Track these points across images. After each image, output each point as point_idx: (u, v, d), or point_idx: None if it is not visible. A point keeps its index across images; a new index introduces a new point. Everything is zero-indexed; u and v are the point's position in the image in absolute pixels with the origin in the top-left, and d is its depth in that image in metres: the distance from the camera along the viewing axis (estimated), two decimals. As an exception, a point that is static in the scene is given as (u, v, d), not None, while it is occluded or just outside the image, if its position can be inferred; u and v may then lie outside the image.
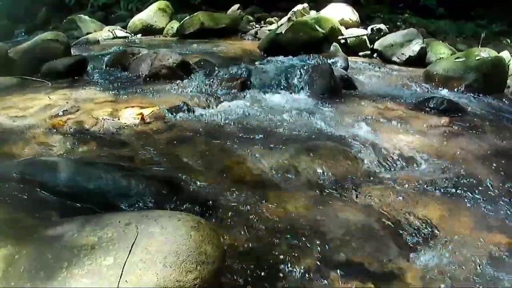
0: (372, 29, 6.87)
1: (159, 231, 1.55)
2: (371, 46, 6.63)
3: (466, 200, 2.54)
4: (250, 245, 2.01)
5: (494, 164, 2.99)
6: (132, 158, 2.80)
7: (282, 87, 4.39)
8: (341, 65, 5.28)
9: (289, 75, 4.44)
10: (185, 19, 7.80)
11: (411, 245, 2.13)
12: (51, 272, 1.45)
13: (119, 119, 3.38)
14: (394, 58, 6.24)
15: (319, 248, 2.02)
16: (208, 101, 4.05)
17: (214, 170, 2.71)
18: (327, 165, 2.78)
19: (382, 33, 6.82)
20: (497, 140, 3.48)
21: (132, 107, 3.62)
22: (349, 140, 3.24)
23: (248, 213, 2.26)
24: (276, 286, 1.81)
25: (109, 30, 7.97)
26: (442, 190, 2.63)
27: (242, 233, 2.09)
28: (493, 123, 3.93)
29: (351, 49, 6.52)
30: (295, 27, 6.17)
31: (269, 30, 7.35)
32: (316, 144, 3.08)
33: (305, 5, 7.59)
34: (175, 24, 8.05)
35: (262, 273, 1.84)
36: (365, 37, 6.69)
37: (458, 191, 2.63)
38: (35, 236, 1.68)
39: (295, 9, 7.49)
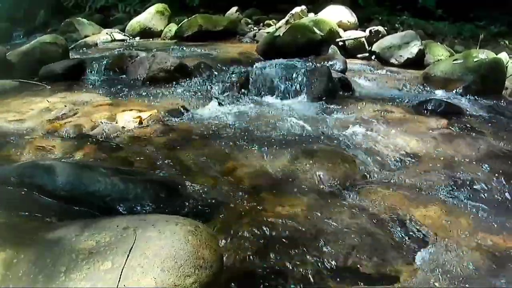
0: (370, 31, 6.85)
1: (156, 236, 1.55)
2: (369, 48, 6.62)
3: (464, 202, 2.54)
4: (249, 249, 2.01)
5: (492, 166, 2.99)
6: (131, 161, 2.80)
7: (280, 89, 4.41)
8: (339, 68, 5.28)
9: (287, 78, 4.46)
10: (183, 21, 7.78)
11: (409, 247, 2.13)
12: (49, 276, 1.46)
13: (117, 123, 3.39)
14: (392, 60, 6.22)
15: (318, 251, 2.02)
16: (206, 104, 4.06)
17: (212, 173, 2.72)
18: (326, 168, 2.78)
19: (380, 35, 6.80)
20: (495, 141, 3.48)
21: (130, 110, 3.63)
22: (348, 142, 3.25)
23: (246, 216, 2.26)
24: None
25: (107, 33, 7.95)
26: (440, 192, 2.64)
27: (240, 237, 2.09)
28: (491, 125, 3.93)
29: (349, 51, 6.50)
30: (293, 29, 6.14)
31: (267, 32, 7.34)
32: (315, 147, 3.09)
33: (303, 7, 7.57)
34: (173, 27, 8.04)
35: (261, 277, 1.84)
36: (363, 39, 6.69)
37: (456, 193, 2.63)
38: (34, 240, 1.68)
39: (293, 11, 7.47)
